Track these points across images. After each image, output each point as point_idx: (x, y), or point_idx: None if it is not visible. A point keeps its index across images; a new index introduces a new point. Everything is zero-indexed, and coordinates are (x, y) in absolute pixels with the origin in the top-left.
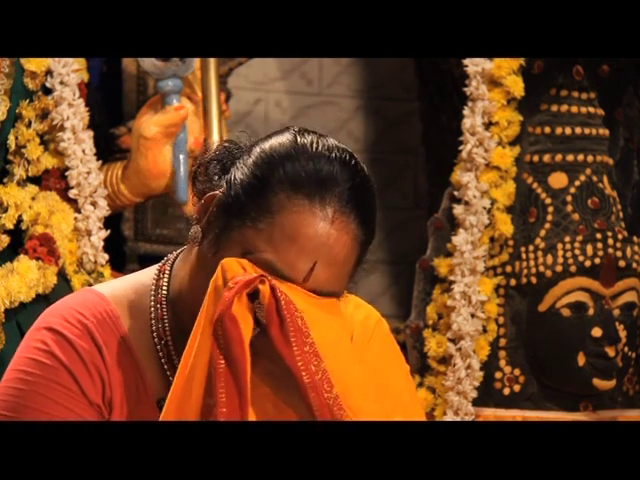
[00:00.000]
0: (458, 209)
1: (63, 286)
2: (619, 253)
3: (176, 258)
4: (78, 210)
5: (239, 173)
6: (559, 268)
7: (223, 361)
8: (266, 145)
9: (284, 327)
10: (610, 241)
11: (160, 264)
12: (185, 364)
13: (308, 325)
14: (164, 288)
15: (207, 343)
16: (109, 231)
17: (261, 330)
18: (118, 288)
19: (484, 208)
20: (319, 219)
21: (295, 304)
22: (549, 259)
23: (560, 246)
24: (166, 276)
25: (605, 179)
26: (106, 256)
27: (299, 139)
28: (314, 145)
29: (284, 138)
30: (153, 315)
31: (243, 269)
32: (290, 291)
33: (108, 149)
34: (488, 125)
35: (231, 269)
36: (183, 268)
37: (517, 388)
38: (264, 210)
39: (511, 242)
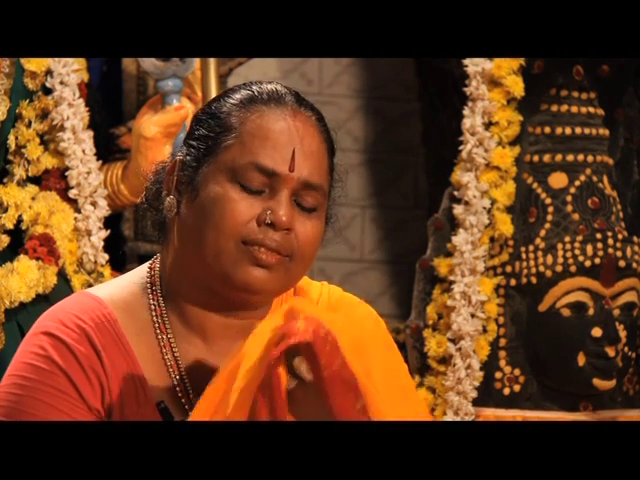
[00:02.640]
0: (458, 209)
1: (63, 286)
2: (619, 253)
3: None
4: (78, 210)
5: (193, 132)
6: (559, 268)
7: (267, 414)
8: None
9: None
10: (610, 241)
11: (150, 262)
12: (209, 397)
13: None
14: (158, 284)
15: (252, 394)
16: (109, 231)
17: (299, 382)
18: (113, 290)
19: (484, 208)
20: (281, 117)
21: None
22: (549, 259)
23: (560, 246)
24: (157, 272)
25: (605, 179)
26: (106, 256)
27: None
28: (253, 81)
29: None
30: (154, 313)
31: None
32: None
33: (108, 149)
34: (488, 125)
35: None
36: (168, 256)
37: (517, 388)
38: (228, 131)
39: (511, 242)
